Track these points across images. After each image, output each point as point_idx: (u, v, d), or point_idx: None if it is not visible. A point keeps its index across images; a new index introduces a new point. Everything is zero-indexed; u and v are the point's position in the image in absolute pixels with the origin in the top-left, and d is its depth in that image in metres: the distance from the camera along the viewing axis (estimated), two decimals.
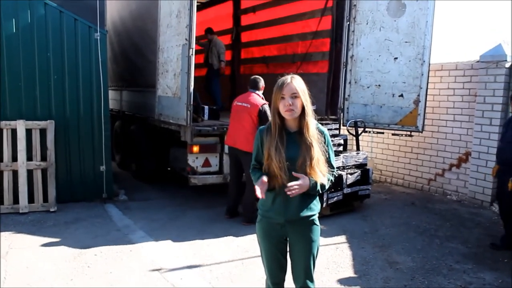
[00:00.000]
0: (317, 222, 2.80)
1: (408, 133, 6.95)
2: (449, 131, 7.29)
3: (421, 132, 6.84)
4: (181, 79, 6.03)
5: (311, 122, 2.69)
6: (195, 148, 6.25)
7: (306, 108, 2.65)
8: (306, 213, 2.71)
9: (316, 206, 2.78)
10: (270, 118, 2.82)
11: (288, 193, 2.53)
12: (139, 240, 5.11)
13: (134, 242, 5.04)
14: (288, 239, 2.76)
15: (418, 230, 5.60)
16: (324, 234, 5.34)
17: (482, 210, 6.56)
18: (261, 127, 2.80)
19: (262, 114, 5.54)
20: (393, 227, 5.73)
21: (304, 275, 2.78)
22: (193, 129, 6.09)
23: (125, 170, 8.91)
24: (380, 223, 5.86)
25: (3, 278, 4.05)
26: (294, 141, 2.65)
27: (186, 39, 5.88)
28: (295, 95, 2.60)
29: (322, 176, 2.63)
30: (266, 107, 5.57)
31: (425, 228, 5.68)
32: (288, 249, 2.81)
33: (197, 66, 10.51)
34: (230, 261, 4.51)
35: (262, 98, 5.77)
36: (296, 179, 2.55)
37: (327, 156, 2.73)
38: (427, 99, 6.82)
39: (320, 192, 2.70)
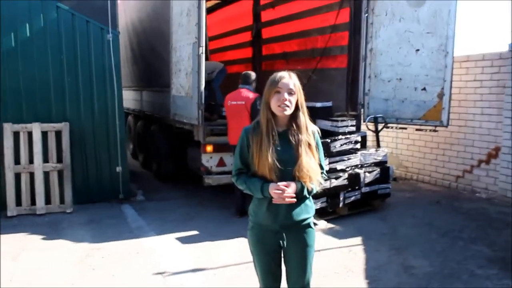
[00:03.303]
0: (312, 225, 2.62)
1: (433, 128, 6.61)
2: (477, 125, 6.88)
3: (446, 127, 6.48)
4: (192, 78, 5.94)
5: (307, 121, 2.53)
6: (209, 148, 6.17)
7: (302, 106, 2.50)
8: (301, 216, 2.53)
9: (311, 208, 2.60)
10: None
11: (278, 201, 2.39)
12: (149, 242, 5.05)
13: (143, 244, 4.99)
14: (282, 245, 2.57)
15: (440, 231, 5.28)
16: (339, 235, 5.16)
17: None
18: (246, 126, 2.63)
19: (255, 106, 5.41)
20: (414, 227, 5.44)
21: (301, 283, 2.61)
22: (205, 128, 6.00)
23: (147, 170, 8.93)
24: (400, 224, 5.58)
25: (9, 280, 4.06)
26: (285, 141, 2.48)
27: (195, 37, 5.78)
28: (291, 91, 2.44)
29: (312, 179, 2.46)
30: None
31: (448, 229, 5.36)
32: (282, 256, 2.64)
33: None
34: (236, 265, 4.36)
35: (253, 92, 5.69)
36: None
37: (318, 157, 2.56)
38: (453, 92, 6.46)
39: (308, 196, 2.53)
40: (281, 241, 2.54)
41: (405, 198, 6.85)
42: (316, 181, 2.49)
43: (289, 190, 2.38)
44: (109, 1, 6.33)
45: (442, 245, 4.85)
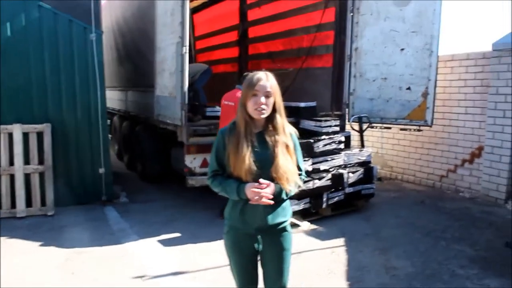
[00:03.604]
0: (289, 229, 2.59)
1: (417, 127, 6.62)
2: (461, 124, 6.91)
3: (431, 126, 6.51)
4: (176, 77, 5.88)
5: (285, 122, 2.50)
6: (192, 149, 6.11)
7: (279, 107, 2.46)
8: (277, 219, 2.49)
9: (287, 212, 2.57)
10: None
11: (255, 200, 2.34)
12: (131, 245, 4.99)
13: (125, 247, 4.93)
14: (258, 249, 2.54)
15: (423, 231, 5.29)
16: (322, 236, 5.14)
17: (496, 208, 6.18)
18: (223, 127, 2.59)
19: None
20: (397, 228, 5.44)
21: (278, 287, 2.58)
22: (188, 129, 5.95)
23: (132, 171, 8.84)
24: (383, 224, 5.58)
25: None
26: (262, 142, 2.44)
27: (179, 36, 5.71)
28: (268, 94, 2.40)
29: (289, 180, 2.42)
30: None
31: (432, 229, 5.36)
32: (259, 259, 2.61)
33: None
34: (217, 267, 4.31)
35: None
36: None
37: (296, 159, 2.53)
38: (437, 92, 6.50)
39: (285, 198, 2.49)
40: (256, 245, 2.51)
41: (390, 198, 6.85)
42: (293, 182, 2.46)
43: (267, 190, 2.34)
44: (92, 1, 6.23)
45: (425, 245, 4.86)
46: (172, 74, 6.02)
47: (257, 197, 2.32)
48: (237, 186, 2.40)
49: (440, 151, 7.26)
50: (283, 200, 2.52)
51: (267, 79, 2.41)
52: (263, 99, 2.38)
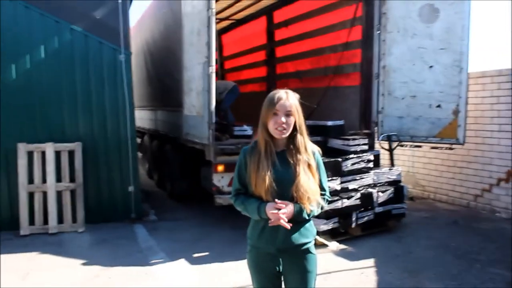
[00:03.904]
0: (313, 250, 2.51)
1: (449, 146, 6.45)
2: (495, 142, 6.70)
3: (463, 144, 6.32)
4: (203, 97, 5.94)
5: (306, 141, 2.46)
6: (220, 168, 6.12)
7: (300, 126, 2.43)
8: (299, 240, 2.43)
9: (310, 232, 2.50)
10: None
11: (273, 222, 2.31)
12: (158, 263, 5.00)
13: (152, 265, 4.94)
14: (279, 270, 2.49)
15: (457, 253, 5.10)
16: (351, 257, 5.02)
17: None
18: (245, 146, 2.58)
19: None
20: (429, 249, 5.26)
21: None
22: (216, 148, 5.97)
23: (162, 190, 8.93)
24: (414, 245, 5.41)
25: None
26: (283, 161, 2.41)
27: (206, 56, 5.79)
28: (289, 113, 2.37)
29: (311, 200, 2.37)
30: None
31: (466, 251, 5.17)
32: (283, 282, 2.55)
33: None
34: (243, 287, 4.27)
35: None
36: None
37: (319, 178, 2.48)
38: (468, 109, 6.32)
39: (307, 218, 2.44)
40: (277, 266, 2.46)
41: (421, 218, 6.66)
42: (315, 202, 2.41)
43: (285, 210, 2.31)
44: (121, 22, 6.42)
45: (458, 268, 4.67)
46: (199, 93, 6.09)
47: (276, 219, 2.29)
48: (257, 205, 2.37)
49: (473, 170, 7.04)
50: (306, 221, 2.46)
51: (287, 98, 2.39)
52: (283, 119, 2.35)
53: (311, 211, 2.40)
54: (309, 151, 2.45)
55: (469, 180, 7.13)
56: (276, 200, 2.32)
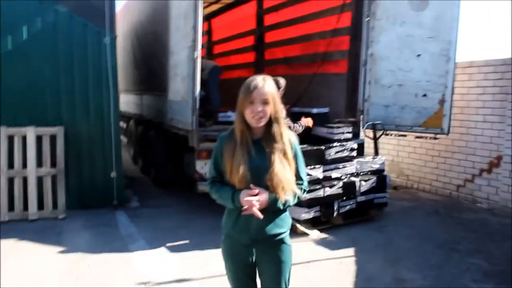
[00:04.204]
0: (288, 241, 2.48)
1: (433, 135, 6.45)
2: (479, 133, 6.71)
3: (447, 135, 6.32)
4: (187, 82, 5.87)
5: (283, 129, 2.40)
6: (203, 154, 6.06)
7: (277, 114, 2.36)
8: (273, 231, 2.40)
9: (285, 223, 2.46)
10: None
11: (245, 210, 2.26)
12: (138, 250, 4.96)
13: (132, 252, 4.91)
14: (255, 261, 2.46)
15: (436, 243, 5.12)
16: (331, 246, 5.02)
17: None
18: (222, 133, 2.52)
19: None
20: (410, 239, 5.28)
21: None
22: (199, 134, 5.91)
23: (146, 176, 8.86)
24: (396, 234, 5.43)
25: None
26: (260, 150, 2.36)
27: (192, 40, 5.69)
28: (265, 101, 2.31)
29: (286, 189, 2.33)
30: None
31: (446, 241, 5.20)
32: (257, 272, 2.53)
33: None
34: (222, 275, 4.23)
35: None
36: None
37: (296, 167, 2.43)
38: (455, 99, 6.31)
39: (282, 208, 2.40)
40: (251, 257, 2.43)
41: (404, 207, 6.68)
42: (290, 191, 2.36)
43: (259, 197, 2.27)
44: (107, 4, 6.27)
45: (437, 258, 4.70)
46: (184, 78, 6.00)
47: (246, 206, 2.24)
48: (232, 193, 2.33)
49: (457, 160, 7.06)
50: (281, 211, 2.43)
51: (264, 86, 2.32)
52: (259, 107, 2.30)
53: (286, 201, 2.36)
54: (286, 139, 2.39)
55: (452, 170, 7.16)
56: (251, 185, 2.28)
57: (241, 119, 2.37)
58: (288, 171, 2.35)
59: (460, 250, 4.92)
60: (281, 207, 2.38)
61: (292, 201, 2.42)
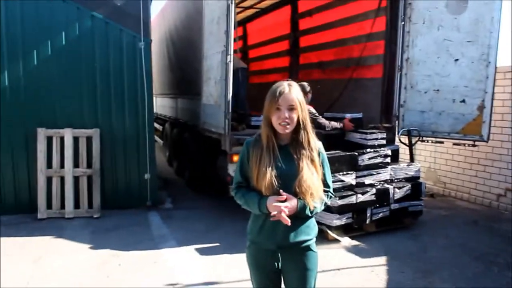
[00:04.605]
0: (314, 248, 2.44)
1: (472, 142, 6.23)
2: None
3: (487, 142, 6.08)
4: (220, 86, 5.91)
5: (310, 136, 2.37)
6: (235, 158, 6.08)
7: (304, 120, 2.34)
8: (300, 238, 2.37)
9: (312, 230, 2.43)
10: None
11: (272, 217, 2.24)
12: (168, 251, 5.02)
13: (162, 253, 4.97)
14: (277, 267, 2.43)
15: (473, 255, 4.92)
16: (363, 254, 4.91)
17: None
18: (248, 139, 2.51)
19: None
20: (445, 249, 5.10)
21: None
22: (231, 138, 5.93)
23: (181, 178, 8.97)
24: (430, 244, 5.26)
25: (26, 282, 4.14)
26: (287, 156, 2.34)
27: (224, 45, 5.73)
28: (292, 107, 2.29)
29: (314, 196, 2.29)
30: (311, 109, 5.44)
31: (483, 252, 4.99)
32: (282, 280, 2.49)
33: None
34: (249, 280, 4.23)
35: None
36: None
37: (323, 174, 2.40)
38: (495, 105, 6.07)
39: (310, 215, 2.36)
40: (276, 263, 2.40)
41: (440, 216, 6.47)
42: (318, 198, 2.32)
43: (288, 204, 2.23)
44: (141, 9, 6.41)
45: (474, 270, 4.51)
46: (217, 82, 6.05)
47: (275, 212, 2.21)
48: (258, 199, 2.31)
49: (497, 168, 6.78)
50: (308, 218, 2.39)
51: (290, 92, 2.29)
52: (286, 114, 2.27)
53: (314, 207, 2.32)
54: (313, 146, 2.37)
55: (492, 179, 6.87)
56: (280, 191, 2.25)
57: (267, 125, 2.35)
58: (316, 178, 2.32)
59: (500, 263, 4.70)
60: (309, 214, 2.35)
61: (319, 208, 2.38)
